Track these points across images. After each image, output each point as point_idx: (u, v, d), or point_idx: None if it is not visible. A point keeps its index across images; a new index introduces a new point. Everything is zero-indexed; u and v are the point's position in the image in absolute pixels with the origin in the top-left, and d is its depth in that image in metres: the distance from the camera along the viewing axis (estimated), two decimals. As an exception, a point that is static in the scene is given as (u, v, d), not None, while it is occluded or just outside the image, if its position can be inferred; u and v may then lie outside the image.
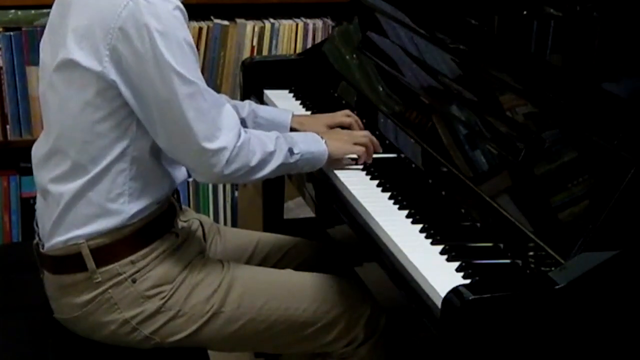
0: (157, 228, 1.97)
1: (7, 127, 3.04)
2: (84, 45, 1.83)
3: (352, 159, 2.13)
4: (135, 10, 1.79)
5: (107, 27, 1.80)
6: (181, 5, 1.85)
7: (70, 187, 1.90)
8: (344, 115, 2.30)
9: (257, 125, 2.24)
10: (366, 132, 2.18)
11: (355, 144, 2.12)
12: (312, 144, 2.06)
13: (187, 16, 1.87)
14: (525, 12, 2.06)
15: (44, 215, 1.97)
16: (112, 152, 1.88)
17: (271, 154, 1.96)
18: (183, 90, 1.82)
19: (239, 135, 1.90)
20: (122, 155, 1.89)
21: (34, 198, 2.04)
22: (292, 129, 2.25)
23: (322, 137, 2.08)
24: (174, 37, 1.81)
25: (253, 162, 1.92)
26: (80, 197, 1.90)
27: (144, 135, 1.89)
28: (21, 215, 3.12)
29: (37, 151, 1.99)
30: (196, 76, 1.85)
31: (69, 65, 1.84)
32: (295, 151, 2.00)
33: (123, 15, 1.79)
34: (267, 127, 2.19)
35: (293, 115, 2.30)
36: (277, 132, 2.04)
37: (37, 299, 2.04)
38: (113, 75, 1.82)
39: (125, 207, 1.91)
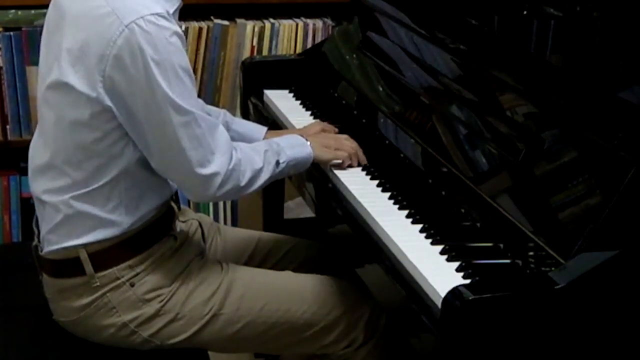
0: (155, 232, 1.97)
1: (7, 127, 3.04)
2: (79, 69, 1.81)
3: (336, 164, 2.12)
4: (130, 38, 1.76)
5: (101, 54, 1.78)
6: (179, 31, 1.82)
7: (66, 200, 1.89)
8: (314, 126, 2.29)
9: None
10: (352, 142, 2.16)
11: (338, 149, 2.11)
12: (297, 148, 2.06)
13: (185, 41, 1.85)
14: (525, 12, 2.06)
15: (42, 220, 1.97)
16: (109, 170, 1.87)
17: (260, 171, 1.96)
18: (178, 120, 1.80)
19: (231, 158, 1.89)
20: (119, 172, 1.88)
21: (34, 198, 2.04)
22: None
23: (307, 140, 2.09)
24: (169, 66, 1.78)
25: (243, 182, 1.93)
26: (77, 210, 1.89)
27: (141, 153, 1.88)
28: (21, 215, 3.12)
29: (34, 159, 1.97)
30: (191, 104, 1.83)
31: (64, 87, 1.83)
32: (282, 161, 2.01)
33: (118, 43, 1.76)
34: (238, 141, 2.13)
35: (267, 132, 2.29)
36: (264, 143, 2.04)
37: (36, 299, 2.04)
38: (108, 101, 1.80)
39: (124, 218, 1.91)
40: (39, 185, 1.95)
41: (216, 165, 1.86)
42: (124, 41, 1.76)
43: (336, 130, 2.29)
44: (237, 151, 1.93)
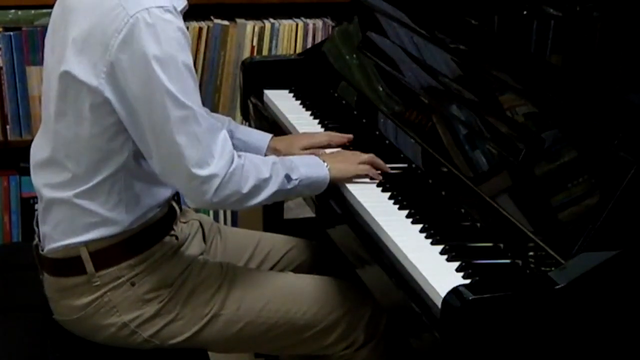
0: (156, 232, 1.97)
1: (7, 127, 3.04)
2: (82, 59, 1.81)
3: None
4: (134, 28, 1.76)
5: (106, 43, 1.78)
6: (183, 27, 1.82)
7: (67, 196, 1.89)
8: (321, 137, 2.24)
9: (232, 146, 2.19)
10: (369, 155, 2.10)
11: (360, 163, 2.05)
12: (313, 168, 2.00)
13: (189, 37, 1.84)
14: (525, 12, 2.06)
15: (43, 217, 1.97)
16: (108, 165, 1.87)
17: (265, 181, 1.91)
18: (176, 114, 1.79)
19: (232, 162, 1.86)
20: (119, 168, 1.88)
21: (34, 198, 2.05)
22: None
23: (324, 161, 2.02)
24: (171, 59, 1.77)
25: (245, 189, 1.88)
26: (78, 208, 1.89)
27: (140, 149, 1.87)
28: (21, 215, 3.12)
29: (36, 155, 1.97)
30: (192, 100, 1.81)
31: (67, 77, 1.83)
32: (294, 177, 1.95)
33: (123, 33, 1.77)
34: (242, 149, 2.12)
35: (272, 139, 2.25)
36: (275, 156, 2.01)
37: (36, 299, 2.04)
38: (108, 92, 1.80)
39: (124, 216, 1.91)
40: (40, 180, 1.95)
41: (214, 167, 1.83)
42: (128, 31, 1.76)
43: (350, 137, 2.24)
44: (241, 157, 1.89)
